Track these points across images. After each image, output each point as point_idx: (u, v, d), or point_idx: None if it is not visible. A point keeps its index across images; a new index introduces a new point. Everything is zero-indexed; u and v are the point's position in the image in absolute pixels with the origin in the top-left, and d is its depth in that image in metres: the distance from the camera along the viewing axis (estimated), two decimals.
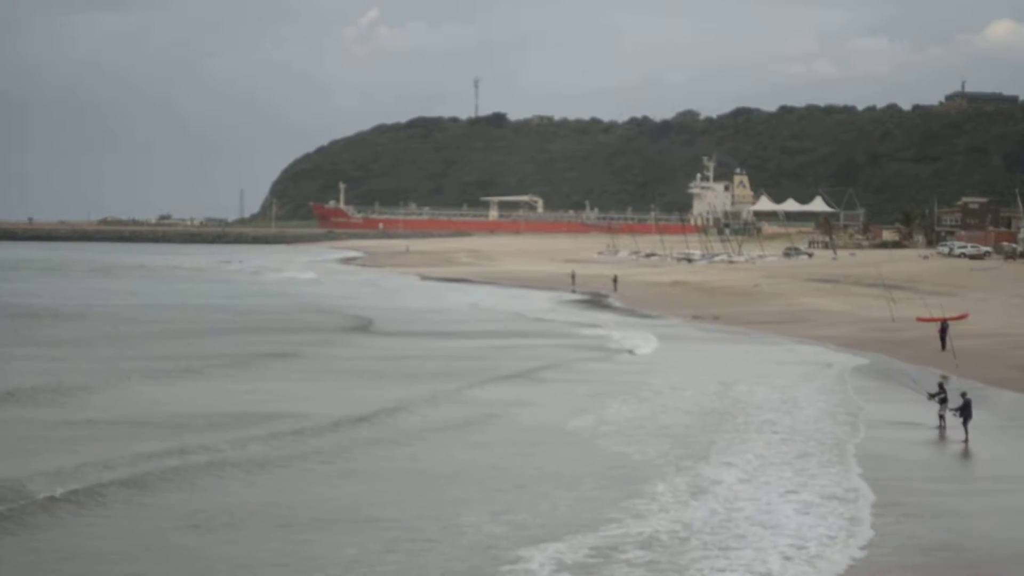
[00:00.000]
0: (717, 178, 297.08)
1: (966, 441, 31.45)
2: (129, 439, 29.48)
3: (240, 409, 34.71)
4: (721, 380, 42.27)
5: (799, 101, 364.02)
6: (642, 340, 56.74)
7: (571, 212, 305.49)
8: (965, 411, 31.66)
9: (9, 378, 39.05)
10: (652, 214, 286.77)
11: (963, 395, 32.29)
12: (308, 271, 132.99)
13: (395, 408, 35.34)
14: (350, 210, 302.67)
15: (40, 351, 48.87)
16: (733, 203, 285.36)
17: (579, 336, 60.55)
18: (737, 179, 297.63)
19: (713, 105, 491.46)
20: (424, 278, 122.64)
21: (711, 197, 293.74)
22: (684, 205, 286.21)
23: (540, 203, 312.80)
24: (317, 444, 29.75)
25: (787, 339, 58.95)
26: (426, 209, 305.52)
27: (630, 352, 52.81)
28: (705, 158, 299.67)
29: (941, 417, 32.95)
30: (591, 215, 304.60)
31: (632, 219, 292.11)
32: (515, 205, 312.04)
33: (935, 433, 32.81)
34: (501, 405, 36.93)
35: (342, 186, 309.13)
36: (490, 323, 68.05)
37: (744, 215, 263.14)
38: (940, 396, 33.05)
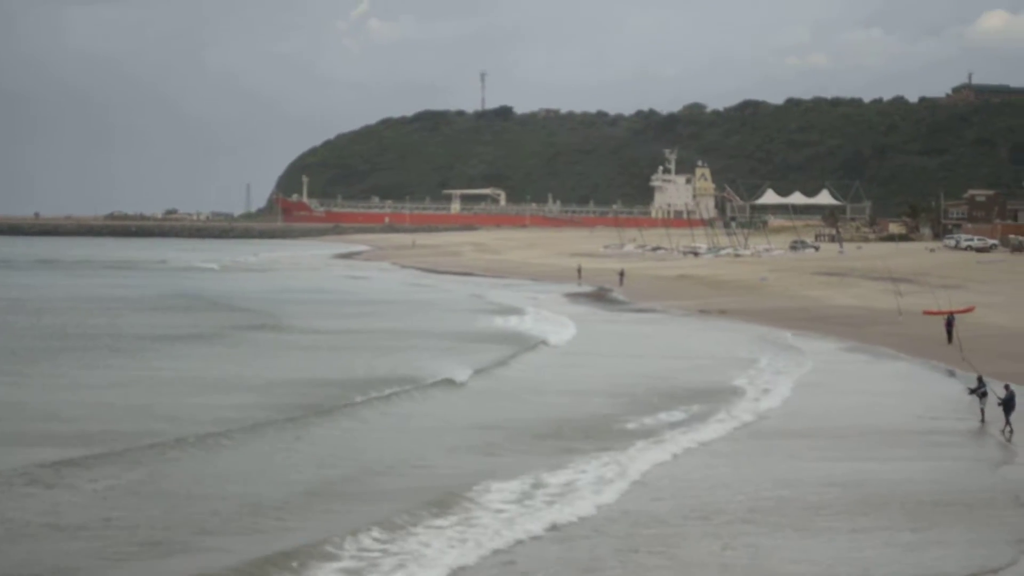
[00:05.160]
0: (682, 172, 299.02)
1: (1004, 430, 31.81)
2: None
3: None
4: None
5: (794, 93, 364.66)
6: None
7: (533, 205, 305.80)
8: (1008, 403, 31.85)
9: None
10: (613, 207, 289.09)
11: (1007, 387, 32.51)
12: (355, 269, 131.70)
13: None
14: (313, 204, 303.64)
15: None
16: (694, 195, 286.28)
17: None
18: (699, 171, 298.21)
19: (709, 98, 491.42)
20: (467, 273, 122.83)
21: (672, 190, 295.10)
22: None
23: (503, 196, 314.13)
24: None
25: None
26: (389, 203, 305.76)
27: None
28: (667, 151, 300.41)
29: (982, 411, 33.36)
30: (553, 208, 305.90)
31: (594, 212, 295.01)
32: (477, 198, 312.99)
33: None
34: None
35: (305, 179, 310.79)
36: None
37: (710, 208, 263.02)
38: (981, 391, 33.26)
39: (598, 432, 31.51)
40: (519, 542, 20.92)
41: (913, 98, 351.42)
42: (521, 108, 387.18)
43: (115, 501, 23.15)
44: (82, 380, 39.70)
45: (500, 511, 22.76)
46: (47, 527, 21.14)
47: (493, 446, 29.64)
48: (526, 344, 52.70)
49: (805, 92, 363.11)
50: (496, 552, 20.27)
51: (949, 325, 51.75)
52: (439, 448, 29.25)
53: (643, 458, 27.93)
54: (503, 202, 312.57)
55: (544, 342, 53.49)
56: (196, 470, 26.05)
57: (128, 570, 19.15)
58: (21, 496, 23.12)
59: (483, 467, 26.72)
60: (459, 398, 37.66)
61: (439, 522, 21.88)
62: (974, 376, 35.18)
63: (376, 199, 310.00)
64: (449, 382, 39.78)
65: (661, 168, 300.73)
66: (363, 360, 45.69)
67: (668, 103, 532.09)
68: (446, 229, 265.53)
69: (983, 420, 33.16)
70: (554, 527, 21.92)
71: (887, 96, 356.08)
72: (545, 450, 29.09)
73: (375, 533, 20.78)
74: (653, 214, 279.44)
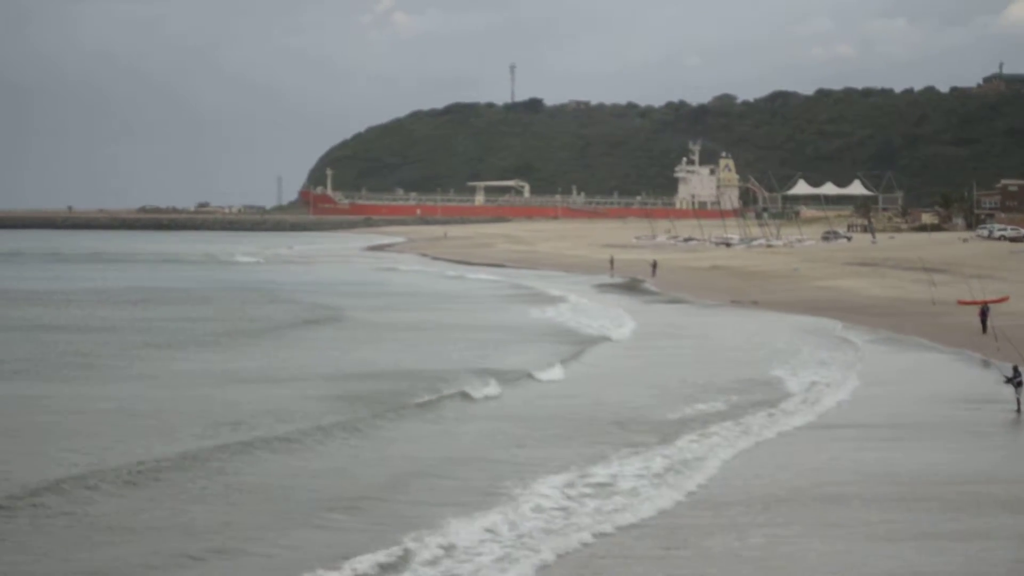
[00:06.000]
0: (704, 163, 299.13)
1: None
2: None
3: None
4: None
5: (820, 82, 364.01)
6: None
7: (558, 197, 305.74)
8: None
9: None
10: (637, 198, 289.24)
11: None
12: (390, 262, 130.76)
13: None
14: (337, 196, 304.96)
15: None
16: (719, 186, 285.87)
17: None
18: (723, 162, 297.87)
19: (734, 86, 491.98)
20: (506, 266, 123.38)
21: (696, 181, 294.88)
22: None
23: (526, 188, 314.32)
24: None
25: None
26: (413, 195, 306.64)
27: None
28: (690, 142, 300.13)
29: (1018, 401, 33.40)
30: (578, 200, 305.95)
31: (617, 203, 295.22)
32: (502, 190, 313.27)
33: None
34: None
35: (329, 172, 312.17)
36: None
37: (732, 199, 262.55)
38: (1017, 380, 33.40)
39: (677, 425, 31.67)
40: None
41: (943, 88, 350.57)
42: (551, 100, 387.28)
43: (199, 500, 23.02)
44: (183, 372, 40.40)
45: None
46: (124, 529, 20.93)
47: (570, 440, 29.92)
48: (586, 339, 52.67)
49: (831, 81, 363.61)
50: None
51: (983, 315, 51.67)
52: (543, 440, 29.78)
53: (691, 448, 28.47)
54: (527, 194, 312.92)
55: (607, 337, 53.37)
56: (283, 466, 26.10)
57: (206, 570, 19.05)
58: (100, 496, 22.85)
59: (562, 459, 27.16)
60: (543, 392, 37.91)
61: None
62: (1009, 366, 35.29)
63: (400, 191, 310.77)
64: (529, 376, 40.26)
65: (685, 159, 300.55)
66: (441, 352, 46.65)
67: (694, 92, 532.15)
68: (477, 221, 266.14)
69: (1019, 410, 33.15)
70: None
71: (917, 86, 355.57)
72: (619, 442, 29.26)
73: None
74: (677, 205, 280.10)
